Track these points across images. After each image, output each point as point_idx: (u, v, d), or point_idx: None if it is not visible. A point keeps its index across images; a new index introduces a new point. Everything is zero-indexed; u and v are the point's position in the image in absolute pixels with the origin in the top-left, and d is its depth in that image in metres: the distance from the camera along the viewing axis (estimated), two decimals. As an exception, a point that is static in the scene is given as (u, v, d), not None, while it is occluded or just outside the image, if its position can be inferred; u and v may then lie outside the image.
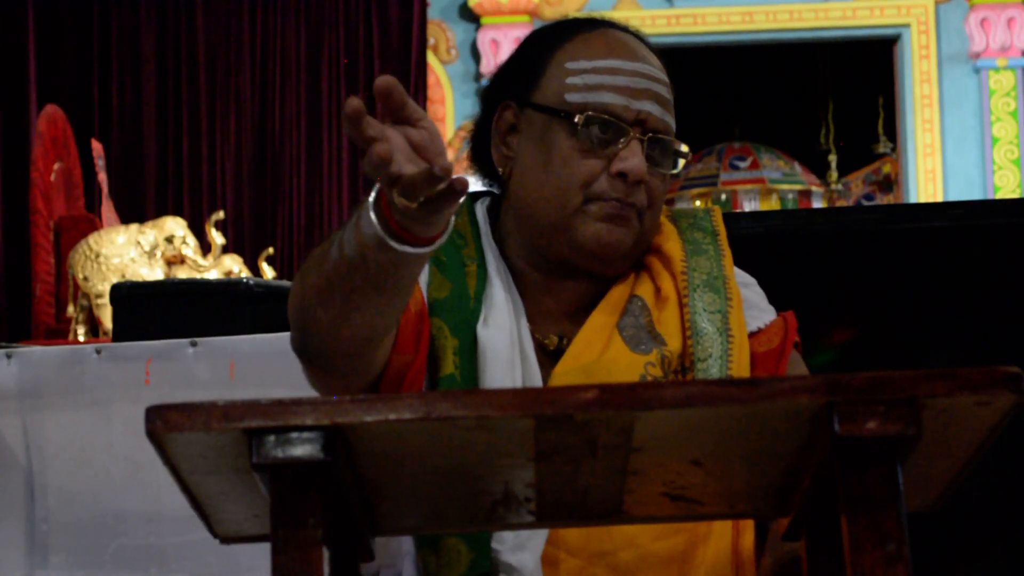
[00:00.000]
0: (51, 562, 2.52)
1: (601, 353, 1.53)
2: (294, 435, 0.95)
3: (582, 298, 1.59)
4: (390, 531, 1.16)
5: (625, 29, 1.64)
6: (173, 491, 1.07)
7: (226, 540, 1.14)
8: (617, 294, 1.58)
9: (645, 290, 1.58)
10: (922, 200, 9.53)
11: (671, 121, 1.57)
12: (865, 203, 12.06)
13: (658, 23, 9.95)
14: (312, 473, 0.96)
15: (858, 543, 0.95)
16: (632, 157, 1.53)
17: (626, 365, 1.52)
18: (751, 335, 1.59)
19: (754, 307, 1.61)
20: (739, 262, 1.69)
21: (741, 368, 1.54)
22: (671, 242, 1.61)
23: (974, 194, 9.62)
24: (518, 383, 1.51)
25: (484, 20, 9.60)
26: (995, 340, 2.23)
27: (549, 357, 1.55)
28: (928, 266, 2.26)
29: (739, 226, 2.25)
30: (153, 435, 0.96)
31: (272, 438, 0.95)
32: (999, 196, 9.59)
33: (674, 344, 1.54)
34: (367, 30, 9.56)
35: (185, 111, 9.47)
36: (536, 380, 1.52)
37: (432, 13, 9.68)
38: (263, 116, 9.50)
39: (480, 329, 1.52)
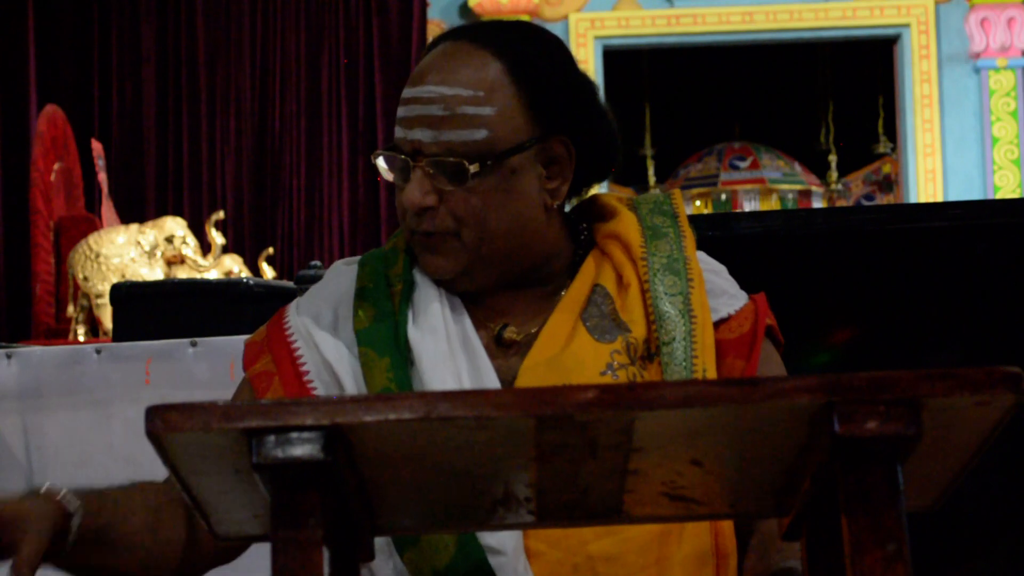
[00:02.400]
0: (51, 562, 2.52)
1: (565, 346, 1.54)
2: (294, 435, 0.95)
3: (527, 294, 1.60)
4: (390, 531, 1.16)
5: (459, 33, 1.61)
6: (173, 491, 1.07)
7: (226, 540, 1.14)
8: (578, 286, 1.59)
9: (607, 279, 1.59)
10: (922, 200, 9.54)
11: (455, 136, 1.53)
12: (865, 203, 12.06)
13: (658, 23, 9.96)
14: (312, 473, 0.96)
15: (858, 543, 0.95)
16: (406, 191, 1.55)
17: (591, 355, 1.53)
18: (722, 321, 1.59)
19: (724, 294, 1.61)
20: (739, 262, 1.69)
21: (705, 347, 1.54)
22: (630, 229, 1.61)
23: (974, 194, 9.63)
24: (463, 374, 1.53)
25: (484, 20, 9.60)
26: (995, 340, 2.24)
27: (503, 348, 1.57)
28: (928, 266, 2.26)
29: (739, 226, 2.26)
30: (153, 435, 0.96)
31: (272, 438, 0.95)
32: (999, 196, 9.60)
33: (638, 330, 1.55)
34: (367, 30, 9.56)
35: (185, 111, 9.47)
36: (486, 371, 1.54)
37: (432, 13, 9.68)
38: (263, 116, 9.50)
39: (411, 333, 1.55)
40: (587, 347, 1.54)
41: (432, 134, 1.53)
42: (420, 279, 1.61)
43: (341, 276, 1.65)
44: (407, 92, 1.57)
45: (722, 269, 1.66)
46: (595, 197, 1.67)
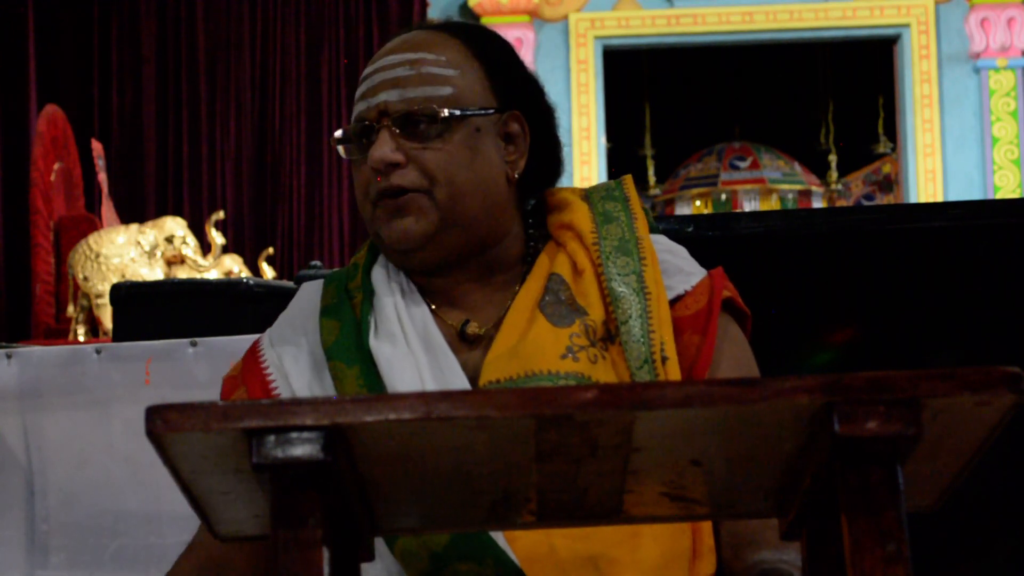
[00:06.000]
0: (51, 562, 2.52)
1: (524, 334, 1.56)
2: (294, 435, 0.95)
3: (486, 288, 1.63)
4: (390, 531, 1.16)
5: (413, 27, 1.67)
6: (173, 491, 1.07)
7: (226, 540, 1.14)
8: (535, 277, 1.62)
9: (562, 267, 1.61)
10: (922, 200, 9.55)
11: (421, 92, 1.57)
12: (865, 203, 12.07)
13: (658, 23, 9.96)
14: (312, 473, 0.96)
15: (858, 543, 0.95)
16: (373, 149, 1.57)
17: (550, 341, 1.55)
18: (678, 299, 1.60)
19: (679, 272, 1.63)
20: (739, 262, 1.69)
21: (661, 322, 1.56)
22: (582, 218, 1.63)
23: (974, 194, 9.63)
24: (424, 372, 1.55)
25: (484, 20, 9.60)
26: (995, 340, 2.23)
27: (467, 345, 1.59)
28: (928, 266, 2.26)
29: (739, 226, 2.26)
30: (153, 435, 0.96)
31: (272, 438, 0.95)
32: (999, 196, 9.60)
33: (596, 313, 1.57)
34: (367, 30, 9.56)
35: (185, 111, 9.48)
36: (449, 366, 1.56)
37: (432, 13, 9.68)
38: (263, 116, 9.51)
39: (371, 342, 1.58)
40: (546, 333, 1.55)
41: (399, 92, 1.57)
42: (378, 285, 1.63)
43: (307, 296, 1.69)
44: (367, 70, 1.61)
45: (680, 249, 1.68)
46: (548, 192, 1.70)
